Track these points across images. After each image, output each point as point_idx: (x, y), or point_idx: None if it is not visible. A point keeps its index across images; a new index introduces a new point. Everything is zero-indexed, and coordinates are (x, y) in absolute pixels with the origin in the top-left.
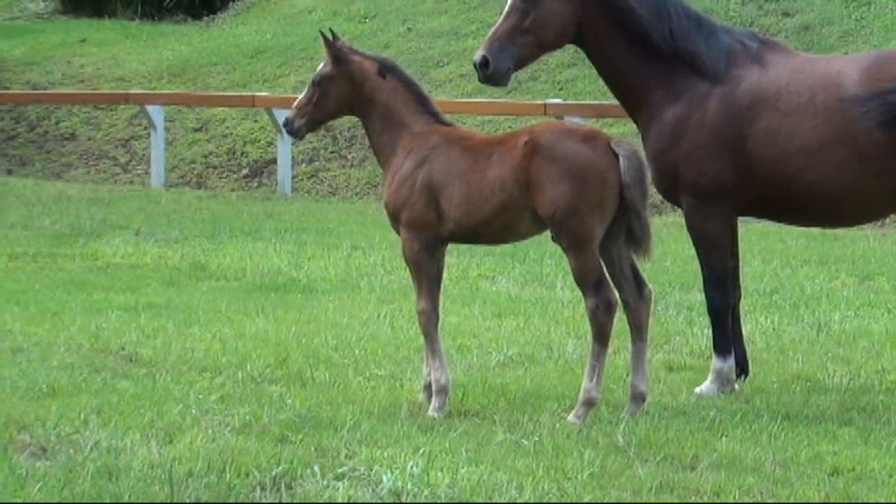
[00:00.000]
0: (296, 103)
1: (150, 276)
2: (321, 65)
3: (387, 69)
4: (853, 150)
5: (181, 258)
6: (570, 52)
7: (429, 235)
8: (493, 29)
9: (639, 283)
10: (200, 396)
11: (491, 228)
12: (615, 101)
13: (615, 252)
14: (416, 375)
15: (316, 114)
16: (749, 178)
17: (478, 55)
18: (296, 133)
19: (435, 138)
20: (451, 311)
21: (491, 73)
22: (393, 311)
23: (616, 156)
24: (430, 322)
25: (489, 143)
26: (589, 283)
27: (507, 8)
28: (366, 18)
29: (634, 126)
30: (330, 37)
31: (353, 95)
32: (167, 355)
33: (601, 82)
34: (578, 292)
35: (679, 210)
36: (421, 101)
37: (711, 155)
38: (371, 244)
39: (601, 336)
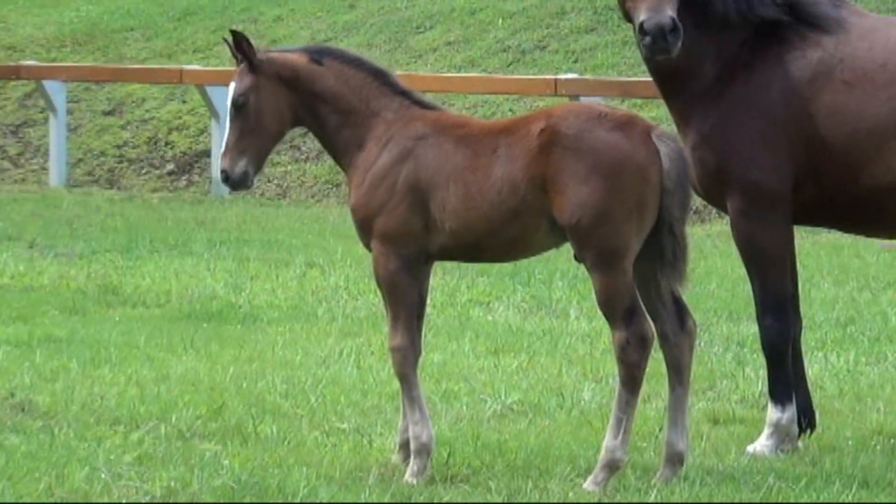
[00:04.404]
0: (224, 146)
1: (47, 302)
2: (232, 85)
3: (320, 54)
4: None
5: (87, 278)
6: (587, 14)
7: (410, 250)
8: None
9: (681, 313)
10: (112, 457)
11: (496, 242)
12: (645, 77)
13: (651, 272)
14: (388, 430)
15: (256, 145)
16: (811, 172)
17: (663, 16)
18: (242, 182)
19: (419, 126)
20: (434, 347)
21: (680, 42)
22: (359, 346)
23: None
24: (406, 362)
25: (493, 131)
26: (619, 310)
27: None
28: None
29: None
30: (242, 37)
31: (292, 100)
32: (69, 404)
33: (627, 52)
34: (598, 323)
35: (726, 218)
36: (384, 81)
37: (766, 142)
38: (331, 261)
39: (631, 380)
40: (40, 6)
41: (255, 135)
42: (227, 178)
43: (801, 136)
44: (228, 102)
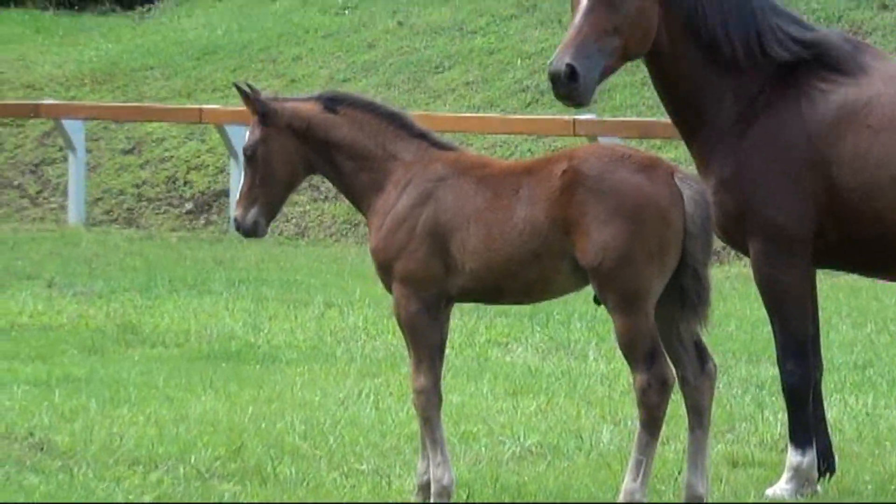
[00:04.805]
0: (238, 194)
1: (66, 341)
2: (247, 134)
3: (334, 102)
4: None
5: (106, 317)
6: None
7: (431, 292)
8: (572, 28)
9: (701, 356)
10: (131, 496)
11: (516, 283)
12: (664, 118)
13: (673, 315)
14: (407, 471)
15: (268, 195)
16: (833, 216)
17: (559, 62)
18: (253, 231)
19: (439, 168)
20: (452, 388)
21: (582, 88)
22: (378, 387)
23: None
24: (430, 404)
25: (514, 172)
26: (640, 353)
27: (585, 1)
28: (345, 9)
29: (687, 152)
30: (247, 90)
31: (304, 150)
32: (88, 443)
33: (645, 93)
34: (616, 364)
35: (745, 259)
36: (400, 124)
37: (788, 185)
38: (350, 301)
39: (651, 422)
40: (59, 44)
41: (265, 185)
42: (238, 226)
43: (823, 180)
44: (243, 151)
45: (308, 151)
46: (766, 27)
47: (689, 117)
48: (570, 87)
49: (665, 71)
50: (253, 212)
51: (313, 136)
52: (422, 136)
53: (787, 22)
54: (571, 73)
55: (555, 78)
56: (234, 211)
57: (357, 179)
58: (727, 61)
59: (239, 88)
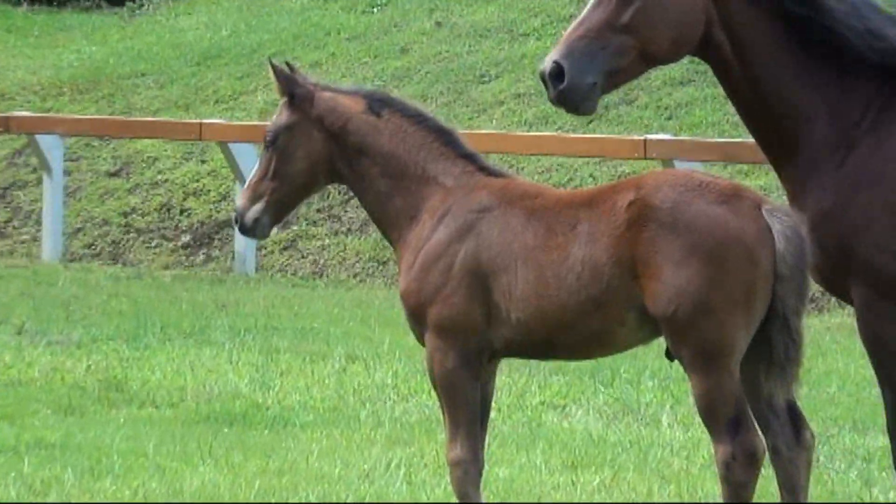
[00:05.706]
0: (247, 183)
1: (38, 399)
2: (275, 115)
3: (380, 103)
4: None
5: (87, 371)
6: (683, 63)
7: (471, 345)
8: (574, 24)
9: (795, 423)
10: None
11: (573, 336)
12: (752, 139)
13: (760, 374)
14: None
15: (278, 193)
16: None
17: (547, 62)
18: (252, 230)
19: (483, 196)
20: (500, 459)
21: (567, 88)
22: (410, 456)
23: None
24: (467, 478)
25: (571, 203)
26: (722, 419)
27: None
28: (374, 8)
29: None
30: (282, 67)
31: (331, 151)
32: None
33: (730, 108)
34: (696, 432)
35: (849, 307)
36: (448, 141)
37: None
38: (377, 353)
39: (737, 500)
40: (34, 47)
41: (279, 181)
42: (237, 220)
43: None
44: (264, 135)
45: (336, 155)
46: (868, 30)
47: (774, 141)
48: (556, 88)
49: (736, 84)
50: (257, 208)
51: (348, 138)
52: (468, 157)
53: (889, 26)
54: (558, 72)
55: (541, 78)
56: (237, 200)
57: (390, 202)
58: (820, 73)
59: (273, 65)
